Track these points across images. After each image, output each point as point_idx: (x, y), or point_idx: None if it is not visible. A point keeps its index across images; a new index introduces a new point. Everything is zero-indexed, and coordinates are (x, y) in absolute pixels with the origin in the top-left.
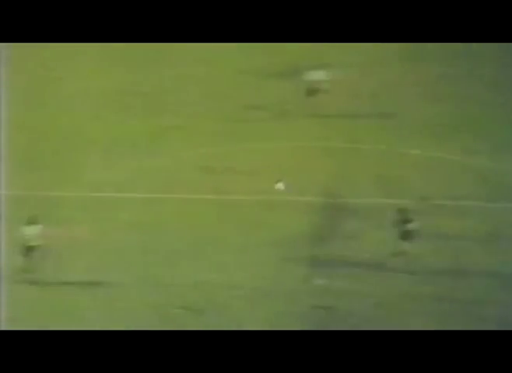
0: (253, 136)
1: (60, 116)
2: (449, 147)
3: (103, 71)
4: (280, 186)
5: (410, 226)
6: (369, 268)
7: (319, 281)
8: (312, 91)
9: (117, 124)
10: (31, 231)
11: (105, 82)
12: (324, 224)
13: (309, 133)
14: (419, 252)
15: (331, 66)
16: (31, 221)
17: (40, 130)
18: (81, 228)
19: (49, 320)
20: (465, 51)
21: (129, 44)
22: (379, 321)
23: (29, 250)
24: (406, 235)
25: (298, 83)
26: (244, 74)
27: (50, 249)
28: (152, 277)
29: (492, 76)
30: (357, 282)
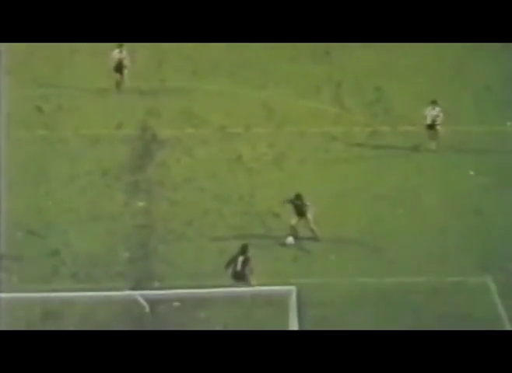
0: (79, 77)
1: None
2: (239, 83)
3: None
4: (290, 240)
5: None
6: (180, 189)
7: (139, 204)
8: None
9: None
10: None
11: None
12: (141, 154)
13: None
14: None
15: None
16: None
17: None
18: None
19: None
20: None
21: None
22: (194, 234)
23: None
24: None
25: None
26: None
27: None
28: None
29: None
30: (172, 203)
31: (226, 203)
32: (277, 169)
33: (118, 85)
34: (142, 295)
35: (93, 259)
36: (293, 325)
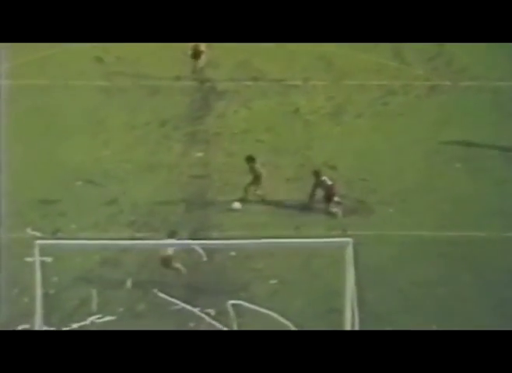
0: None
1: None
2: None
3: None
4: (237, 205)
5: None
6: (238, 140)
7: (197, 154)
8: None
9: None
10: None
11: None
12: (199, 105)
13: None
14: None
15: None
16: None
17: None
18: None
19: None
20: None
21: None
22: None
23: None
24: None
25: None
26: None
27: None
28: (57, 155)
29: None
30: (229, 154)
31: (282, 155)
32: (334, 122)
33: (196, 71)
34: (199, 244)
35: (151, 209)
36: (350, 278)
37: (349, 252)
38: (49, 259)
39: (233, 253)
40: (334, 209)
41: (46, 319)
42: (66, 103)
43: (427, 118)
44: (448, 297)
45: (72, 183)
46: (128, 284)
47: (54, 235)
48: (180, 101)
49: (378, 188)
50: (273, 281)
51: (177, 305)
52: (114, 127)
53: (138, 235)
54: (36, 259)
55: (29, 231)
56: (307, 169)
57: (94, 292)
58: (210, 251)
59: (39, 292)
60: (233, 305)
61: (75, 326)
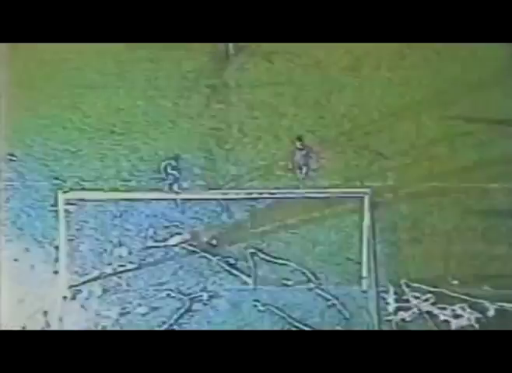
0: None
1: None
2: None
3: None
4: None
5: None
6: (257, 91)
7: (218, 106)
8: None
9: None
10: None
11: None
12: (220, 57)
13: None
14: None
15: None
16: None
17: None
18: None
19: None
20: None
21: None
22: (270, 136)
23: None
24: None
25: None
26: None
27: None
28: (79, 105)
29: None
30: (250, 106)
31: (302, 107)
32: (353, 75)
33: None
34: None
35: (172, 160)
36: (367, 228)
37: (366, 203)
38: (72, 208)
39: (251, 204)
40: (303, 175)
41: (69, 267)
42: (86, 55)
43: (446, 71)
44: (463, 247)
45: (94, 134)
46: (149, 232)
47: (77, 184)
48: (201, 54)
49: (396, 140)
50: (291, 231)
51: (196, 253)
52: (135, 79)
53: (158, 185)
54: (60, 208)
55: (53, 181)
56: (327, 121)
57: (115, 241)
58: (227, 202)
59: (62, 240)
60: (252, 254)
61: (96, 274)
